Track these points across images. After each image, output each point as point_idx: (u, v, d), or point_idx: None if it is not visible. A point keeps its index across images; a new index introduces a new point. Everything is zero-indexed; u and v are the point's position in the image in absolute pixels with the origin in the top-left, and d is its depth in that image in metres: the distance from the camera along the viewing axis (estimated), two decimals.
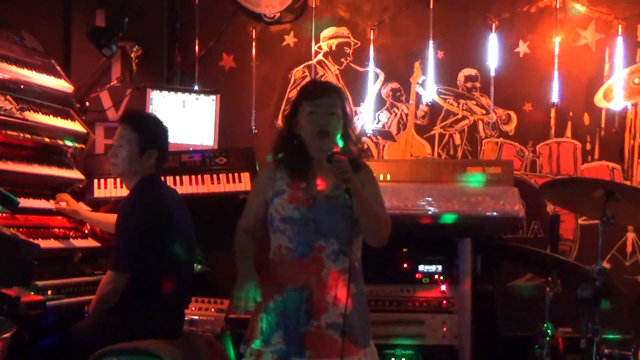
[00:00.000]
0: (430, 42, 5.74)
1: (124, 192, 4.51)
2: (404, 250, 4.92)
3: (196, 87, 5.78)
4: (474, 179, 5.14)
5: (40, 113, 4.74)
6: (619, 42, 5.68)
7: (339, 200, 3.65)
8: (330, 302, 3.63)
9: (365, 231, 3.67)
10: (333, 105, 3.68)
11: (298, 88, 5.66)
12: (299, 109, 3.71)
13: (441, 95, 5.80)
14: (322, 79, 5.72)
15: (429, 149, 5.80)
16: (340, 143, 3.63)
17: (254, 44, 5.85)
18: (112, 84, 5.65)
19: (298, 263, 3.65)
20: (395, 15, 5.81)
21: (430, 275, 4.91)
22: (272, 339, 3.63)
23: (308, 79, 5.78)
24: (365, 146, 5.77)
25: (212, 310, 4.99)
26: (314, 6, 5.80)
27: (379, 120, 5.83)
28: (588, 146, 5.73)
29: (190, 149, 5.36)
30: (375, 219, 3.64)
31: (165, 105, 5.45)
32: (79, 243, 4.78)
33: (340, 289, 3.65)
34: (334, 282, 3.65)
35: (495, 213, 4.84)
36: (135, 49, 5.48)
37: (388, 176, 5.04)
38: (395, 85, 5.83)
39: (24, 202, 4.37)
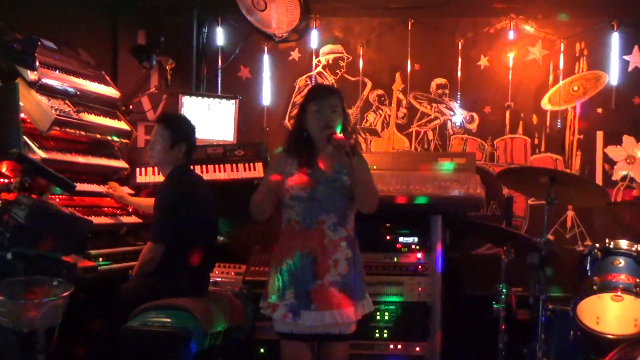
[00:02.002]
0: (409, 56, 5.72)
1: (160, 178, 4.49)
2: (387, 225, 4.91)
3: (219, 93, 5.75)
4: (444, 168, 5.13)
5: (92, 114, 4.73)
6: (561, 57, 5.65)
7: (337, 183, 3.74)
8: (331, 265, 3.68)
9: (360, 198, 3.71)
10: (335, 105, 3.73)
11: (302, 94, 5.67)
12: (307, 108, 3.74)
13: (417, 100, 5.78)
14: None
15: (408, 143, 5.78)
16: (339, 132, 3.67)
17: (266, 58, 5.82)
18: (150, 90, 5.63)
19: (305, 233, 3.70)
20: (380, 35, 5.78)
21: (408, 245, 4.89)
22: (285, 295, 3.69)
23: (310, 86, 5.74)
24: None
25: (232, 273, 4.98)
26: (314, 28, 5.78)
27: (366, 120, 5.80)
28: (536, 141, 5.71)
29: (214, 143, 5.34)
30: (367, 186, 3.71)
31: (193, 108, 5.42)
32: (124, 219, 4.78)
33: (338, 253, 3.69)
34: (333, 248, 3.68)
35: (461, 195, 4.82)
36: (169, 62, 5.47)
37: (374, 166, 4.99)
38: (380, 91, 5.81)
39: (80, 187, 4.37)
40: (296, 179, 3.72)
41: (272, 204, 3.76)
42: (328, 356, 3.80)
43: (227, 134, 5.50)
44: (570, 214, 5.63)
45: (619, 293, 4.17)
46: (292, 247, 3.72)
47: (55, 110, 4.31)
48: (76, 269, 3.86)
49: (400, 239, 4.90)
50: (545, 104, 5.70)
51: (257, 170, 5.11)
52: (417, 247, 4.88)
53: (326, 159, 3.76)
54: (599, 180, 5.58)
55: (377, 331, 4.79)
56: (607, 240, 4.40)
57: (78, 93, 4.67)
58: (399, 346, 4.79)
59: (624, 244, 4.34)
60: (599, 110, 5.66)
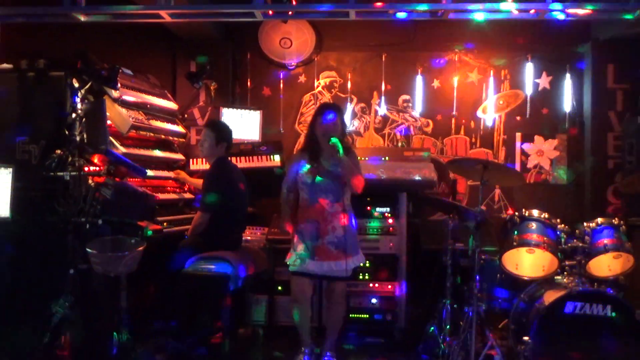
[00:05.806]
0: (383, 79, 5.67)
1: (207, 166, 4.46)
2: (368, 199, 4.86)
3: (248, 106, 5.69)
4: (408, 159, 5.09)
5: (158, 121, 4.71)
6: (491, 80, 5.60)
7: (333, 173, 3.76)
8: (329, 229, 3.72)
9: (349, 182, 3.72)
10: (335, 119, 3.77)
11: (308, 106, 5.68)
12: (317, 120, 3.78)
13: (389, 110, 5.73)
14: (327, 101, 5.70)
15: (382, 141, 5.74)
16: (336, 140, 3.69)
17: (281, 81, 5.77)
18: (200, 104, 5.61)
19: (312, 207, 3.78)
20: (363, 64, 5.72)
21: (382, 213, 4.87)
22: (298, 248, 3.75)
23: (313, 102, 5.72)
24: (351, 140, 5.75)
25: (258, 234, 4.97)
26: (316, 60, 5.72)
27: (353, 125, 5.76)
28: (473, 139, 5.68)
29: (245, 141, 5.29)
30: (352, 174, 3.73)
31: (230, 116, 5.37)
32: (181, 195, 4.75)
33: (335, 222, 3.69)
34: (331, 218, 3.71)
35: (420, 178, 4.80)
36: (213, 84, 5.43)
37: (358, 158, 4.96)
38: (362, 104, 5.76)
39: (150, 173, 4.35)
40: (307, 170, 3.78)
41: (294, 189, 3.87)
42: (330, 291, 3.89)
43: (254, 134, 5.46)
44: (497, 191, 5.62)
45: (532, 247, 4.16)
46: (304, 216, 3.78)
47: (132, 118, 4.28)
48: (147, 231, 3.86)
49: (377, 209, 4.87)
50: (480, 113, 5.66)
51: (275, 161, 5.09)
52: (389, 215, 4.86)
53: (326, 156, 3.79)
54: (517, 167, 5.56)
55: (361, 274, 4.77)
56: (523, 210, 4.38)
57: (148, 106, 4.65)
58: (377, 285, 4.78)
59: (535, 212, 4.32)
60: (518, 118, 5.63)
